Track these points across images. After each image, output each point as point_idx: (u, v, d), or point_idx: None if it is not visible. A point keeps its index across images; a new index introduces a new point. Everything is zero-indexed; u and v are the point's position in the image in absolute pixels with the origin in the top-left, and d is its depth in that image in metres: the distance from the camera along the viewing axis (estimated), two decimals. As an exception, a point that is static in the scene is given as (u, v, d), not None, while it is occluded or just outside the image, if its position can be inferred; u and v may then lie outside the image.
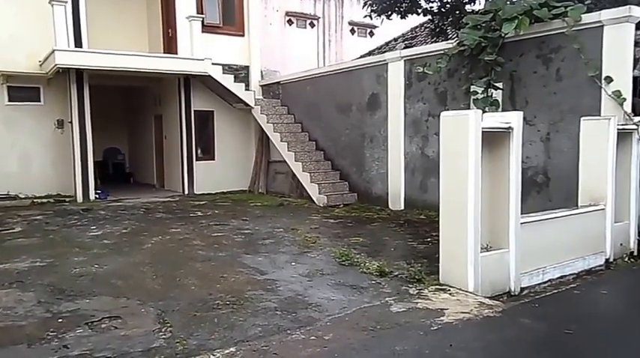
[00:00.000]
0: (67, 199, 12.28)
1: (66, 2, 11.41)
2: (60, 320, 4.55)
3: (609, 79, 7.08)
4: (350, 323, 4.46)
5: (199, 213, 10.50)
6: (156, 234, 8.37)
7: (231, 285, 5.60)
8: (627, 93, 7.04)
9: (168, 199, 12.63)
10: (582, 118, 6.63)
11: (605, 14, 7.20)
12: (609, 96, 7.04)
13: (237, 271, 6.15)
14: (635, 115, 7.08)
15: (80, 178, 12.20)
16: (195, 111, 13.58)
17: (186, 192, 13.47)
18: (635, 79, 7.48)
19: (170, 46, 13.41)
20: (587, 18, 7.35)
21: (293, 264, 6.54)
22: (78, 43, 11.78)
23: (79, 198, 12.21)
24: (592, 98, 7.29)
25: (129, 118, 17.19)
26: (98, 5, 12.62)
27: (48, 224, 9.36)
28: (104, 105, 14.40)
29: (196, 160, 13.63)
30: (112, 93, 15.34)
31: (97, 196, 12.53)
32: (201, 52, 12.73)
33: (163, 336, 4.20)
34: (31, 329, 4.36)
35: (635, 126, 6.83)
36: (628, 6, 7.13)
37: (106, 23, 13.07)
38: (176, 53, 12.92)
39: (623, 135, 6.66)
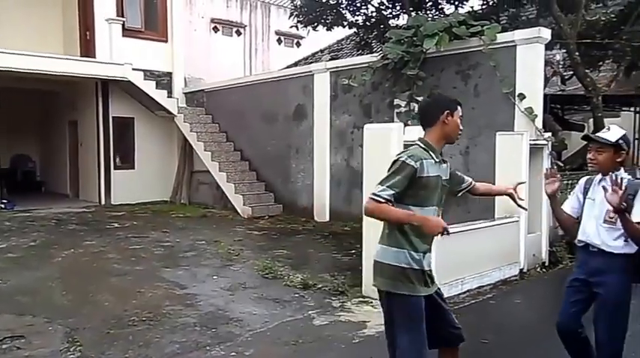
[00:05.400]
0: (-32, 210, 11.37)
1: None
2: (-48, 343, 4.14)
3: (522, 96, 7.43)
4: (272, 338, 4.37)
5: (116, 225, 10.01)
6: (68, 246, 7.88)
7: (148, 300, 5.35)
8: (538, 110, 7.42)
9: (83, 210, 11.96)
10: (497, 133, 6.91)
11: (518, 34, 7.60)
12: (522, 112, 7.38)
13: (155, 285, 5.89)
14: (546, 131, 7.49)
15: (-17, 187, 11.32)
16: (113, 117, 12.97)
17: (102, 202, 12.80)
18: (545, 96, 7.91)
19: (88, 49, 12.81)
20: (502, 37, 7.73)
21: (214, 277, 6.35)
22: (-19, 41, 10.97)
23: (-19, 208, 11.31)
24: (507, 114, 7.62)
25: (41, 124, 16.10)
26: (5, 1, 11.81)
27: (-56, 237, 8.59)
28: (12, 110, 13.51)
29: (114, 169, 12.99)
30: (22, 96, 14.28)
31: (3, 206, 11.67)
32: (121, 56, 12.24)
33: (72, 356, 3.96)
34: None
35: (545, 142, 7.22)
36: (538, 27, 7.57)
37: (13, 21, 12.27)
38: (94, 57, 12.34)
39: (535, 150, 7.01)
